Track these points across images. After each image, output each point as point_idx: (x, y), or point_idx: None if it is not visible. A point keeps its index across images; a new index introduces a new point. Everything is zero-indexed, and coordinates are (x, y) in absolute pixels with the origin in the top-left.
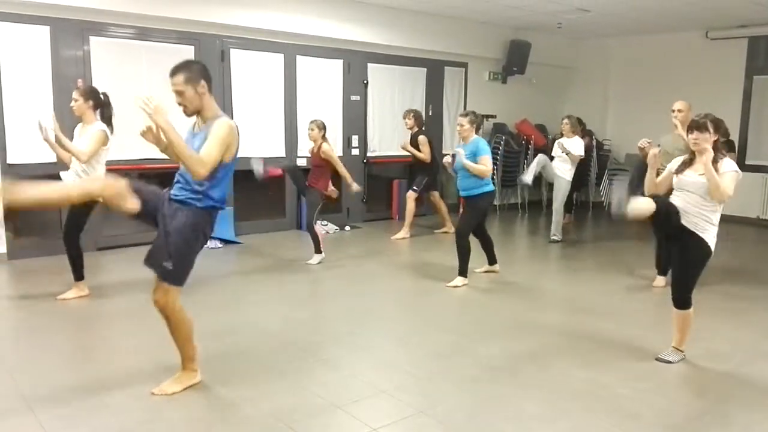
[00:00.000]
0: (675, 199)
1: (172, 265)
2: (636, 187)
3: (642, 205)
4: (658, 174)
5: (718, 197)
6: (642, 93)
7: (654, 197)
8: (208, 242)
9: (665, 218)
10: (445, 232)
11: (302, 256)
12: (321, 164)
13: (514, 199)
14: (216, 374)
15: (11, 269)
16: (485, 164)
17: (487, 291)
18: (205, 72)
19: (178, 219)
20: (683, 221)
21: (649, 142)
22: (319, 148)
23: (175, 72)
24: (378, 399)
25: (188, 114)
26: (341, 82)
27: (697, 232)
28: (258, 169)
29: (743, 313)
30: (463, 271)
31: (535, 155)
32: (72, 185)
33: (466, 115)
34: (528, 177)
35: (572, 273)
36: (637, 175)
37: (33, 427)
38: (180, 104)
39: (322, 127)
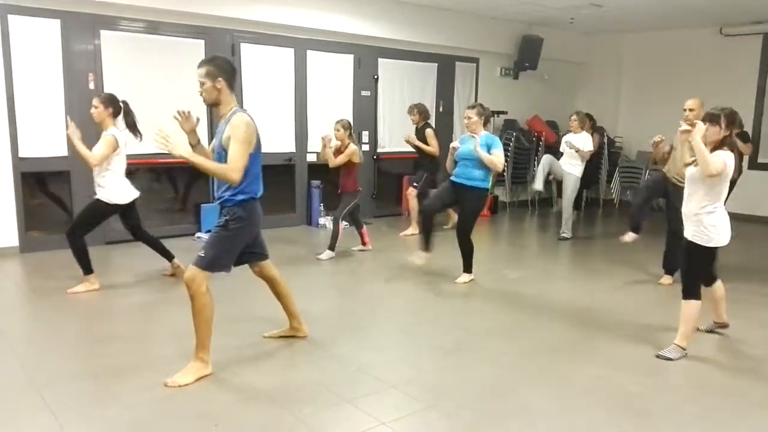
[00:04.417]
0: (684, 202)
1: (204, 252)
2: (645, 203)
3: None
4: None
5: (703, 165)
6: (655, 90)
7: None
8: None
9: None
10: (453, 227)
11: (312, 251)
12: (345, 164)
13: (524, 196)
14: (227, 367)
15: (23, 262)
16: (499, 158)
17: (495, 288)
18: (225, 69)
19: (221, 221)
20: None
21: (662, 138)
22: (346, 147)
23: (200, 64)
24: (387, 393)
25: (206, 104)
26: (351, 77)
27: (694, 240)
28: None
29: (752, 310)
30: (468, 268)
31: (546, 152)
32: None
33: (473, 107)
34: (538, 184)
35: (581, 270)
36: (646, 194)
37: (46, 418)
38: (200, 94)
39: (348, 127)
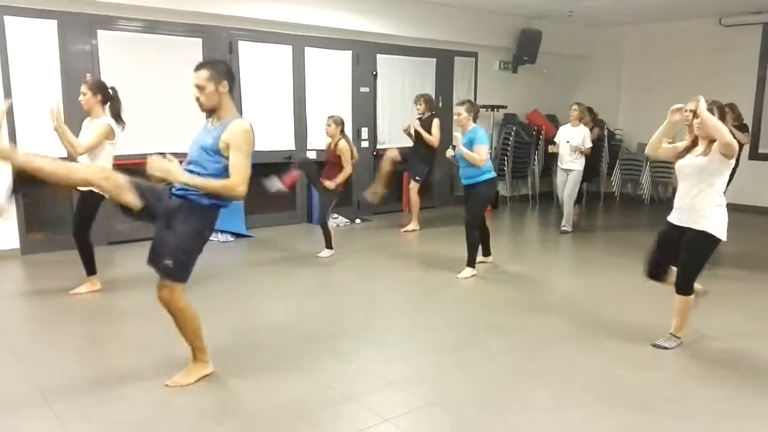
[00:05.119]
0: (678, 195)
1: (173, 263)
2: None
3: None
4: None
5: (718, 134)
6: (655, 81)
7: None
8: (220, 236)
9: None
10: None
11: (313, 250)
12: (336, 161)
13: (525, 190)
14: (229, 366)
15: (24, 264)
16: (479, 153)
17: (496, 282)
18: (229, 73)
19: (180, 217)
20: (678, 222)
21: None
22: (336, 144)
23: (200, 67)
24: (389, 390)
25: (203, 110)
26: (350, 74)
27: (694, 227)
28: (273, 186)
29: (753, 302)
30: (471, 262)
31: (545, 145)
32: (76, 167)
33: (462, 103)
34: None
35: (582, 264)
36: None
37: (48, 419)
38: (197, 99)
39: (340, 123)
